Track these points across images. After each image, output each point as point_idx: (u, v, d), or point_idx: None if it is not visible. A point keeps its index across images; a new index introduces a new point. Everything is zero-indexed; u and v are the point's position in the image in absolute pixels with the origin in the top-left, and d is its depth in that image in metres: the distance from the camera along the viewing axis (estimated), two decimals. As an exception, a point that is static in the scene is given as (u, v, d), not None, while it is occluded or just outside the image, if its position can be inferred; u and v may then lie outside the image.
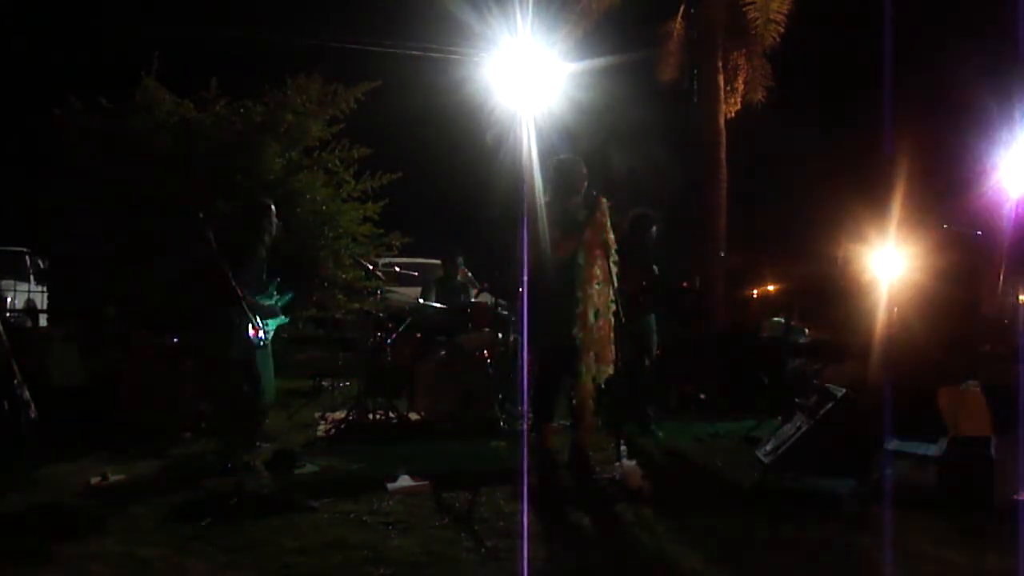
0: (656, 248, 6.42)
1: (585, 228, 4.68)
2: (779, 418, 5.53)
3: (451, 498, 4.25)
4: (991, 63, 8.75)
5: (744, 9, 10.59)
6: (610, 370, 4.74)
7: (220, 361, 4.83)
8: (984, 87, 9.08)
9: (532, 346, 5.14)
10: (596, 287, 4.67)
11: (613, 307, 4.67)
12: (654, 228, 6.34)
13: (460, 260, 7.29)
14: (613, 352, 4.72)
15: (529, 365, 5.95)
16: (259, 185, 7.17)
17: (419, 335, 6.80)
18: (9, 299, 12.58)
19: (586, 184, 4.79)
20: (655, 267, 6.23)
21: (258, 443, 5.19)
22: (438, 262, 7.59)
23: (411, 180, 8.75)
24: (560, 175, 4.87)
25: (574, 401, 4.85)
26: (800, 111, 14.12)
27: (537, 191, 4.99)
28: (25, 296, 12.83)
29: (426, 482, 4.48)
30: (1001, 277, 6.76)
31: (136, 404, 5.73)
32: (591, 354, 4.64)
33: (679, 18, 11.34)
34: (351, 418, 6.23)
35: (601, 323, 4.68)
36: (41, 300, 12.59)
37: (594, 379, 4.71)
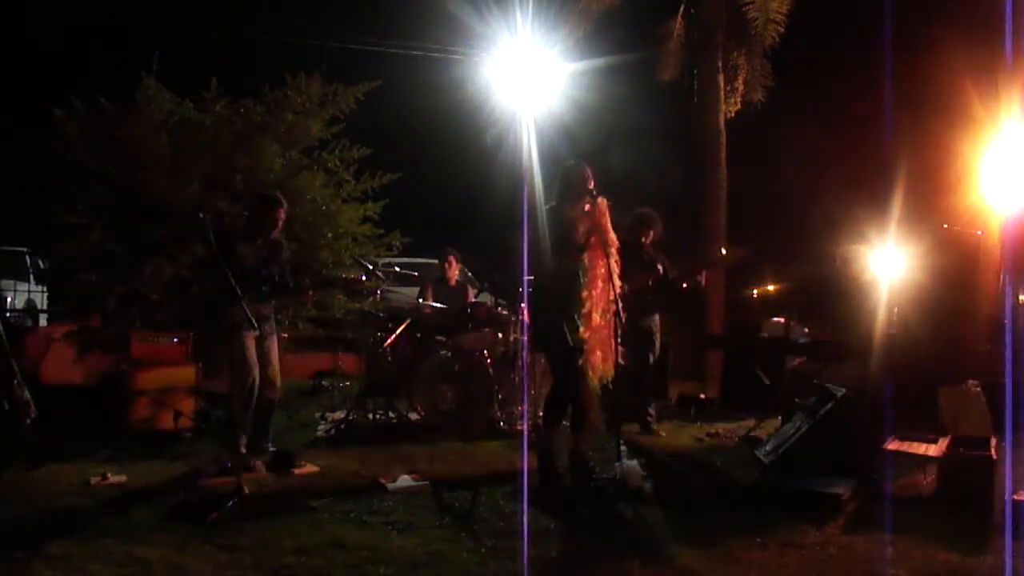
0: (659, 247, 6.42)
1: (589, 236, 4.65)
2: (779, 418, 5.54)
3: (451, 498, 4.25)
4: (989, 63, 8.75)
5: (744, 9, 10.59)
6: (612, 370, 4.73)
7: (218, 361, 4.83)
8: (983, 87, 9.07)
9: (540, 348, 5.13)
10: (599, 287, 4.66)
11: (615, 307, 4.67)
12: (656, 228, 6.33)
13: (457, 259, 7.26)
14: (615, 352, 4.72)
15: (530, 366, 5.96)
16: (259, 185, 7.17)
17: (419, 335, 6.80)
18: (9, 299, 12.59)
19: (592, 187, 4.75)
20: (659, 266, 6.23)
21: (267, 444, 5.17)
22: (437, 262, 7.58)
23: (411, 180, 8.75)
24: (564, 181, 4.85)
25: (575, 401, 4.85)
26: (800, 110, 14.10)
27: (537, 191, 4.99)
28: (25, 296, 12.84)
29: (426, 482, 4.49)
30: (1001, 277, 6.76)
31: (136, 404, 5.72)
32: (594, 354, 4.64)
33: (679, 18, 11.33)
34: (351, 418, 6.24)
35: (604, 323, 4.67)
36: (41, 300, 12.60)
37: (598, 379, 4.70)
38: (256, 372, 4.97)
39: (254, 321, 4.50)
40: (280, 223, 5.24)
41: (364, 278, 6.18)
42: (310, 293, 5.41)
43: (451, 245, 7.33)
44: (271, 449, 5.09)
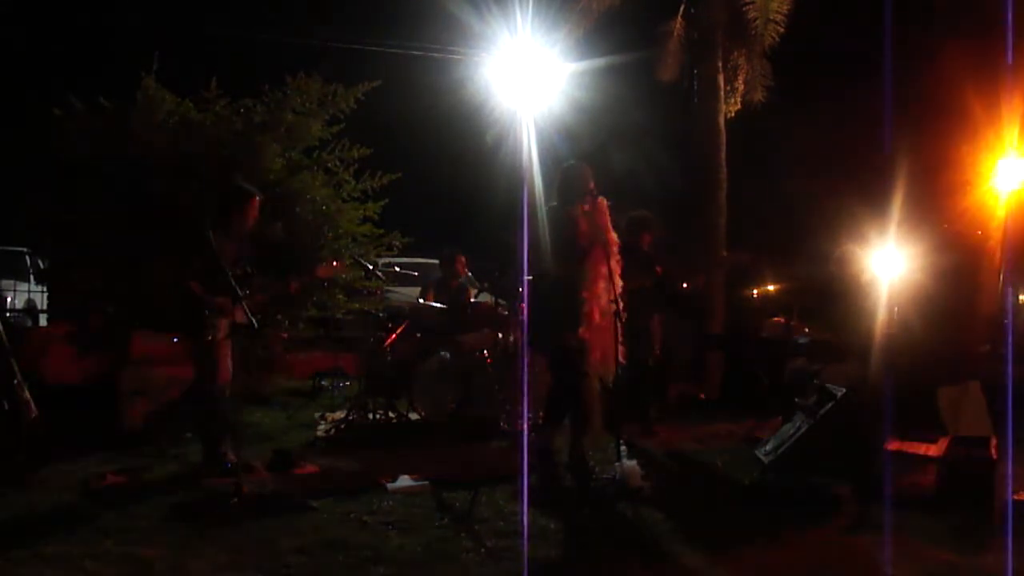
0: (654, 250, 6.41)
1: (589, 236, 4.65)
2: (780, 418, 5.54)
3: (451, 498, 4.25)
4: (990, 63, 8.77)
5: (744, 9, 10.59)
6: (612, 370, 4.73)
7: (210, 362, 4.78)
8: (983, 87, 9.09)
9: (541, 348, 5.13)
10: (599, 287, 4.66)
11: (615, 307, 4.67)
12: (652, 231, 6.32)
13: (461, 259, 7.23)
14: (615, 352, 4.72)
15: (530, 366, 5.95)
16: (259, 185, 7.17)
17: (419, 335, 6.80)
18: (9, 299, 12.59)
19: (592, 187, 4.74)
20: (659, 268, 6.23)
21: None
22: (437, 262, 7.57)
23: (411, 180, 8.75)
24: (564, 181, 4.84)
25: (575, 401, 4.85)
26: (800, 110, 14.11)
27: (537, 191, 4.99)
28: (25, 296, 12.85)
29: (426, 482, 4.49)
30: (1001, 277, 6.76)
31: (135, 404, 5.72)
32: (594, 354, 4.64)
33: (679, 18, 11.31)
34: (351, 418, 6.24)
35: (604, 323, 4.67)
36: (41, 300, 12.60)
37: (598, 379, 4.70)
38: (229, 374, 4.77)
39: (254, 321, 4.47)
40: (255, 215, 5.00)
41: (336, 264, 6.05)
42: (293, 286, 5.31)
43: (454, 245, 7.31)
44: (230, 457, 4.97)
